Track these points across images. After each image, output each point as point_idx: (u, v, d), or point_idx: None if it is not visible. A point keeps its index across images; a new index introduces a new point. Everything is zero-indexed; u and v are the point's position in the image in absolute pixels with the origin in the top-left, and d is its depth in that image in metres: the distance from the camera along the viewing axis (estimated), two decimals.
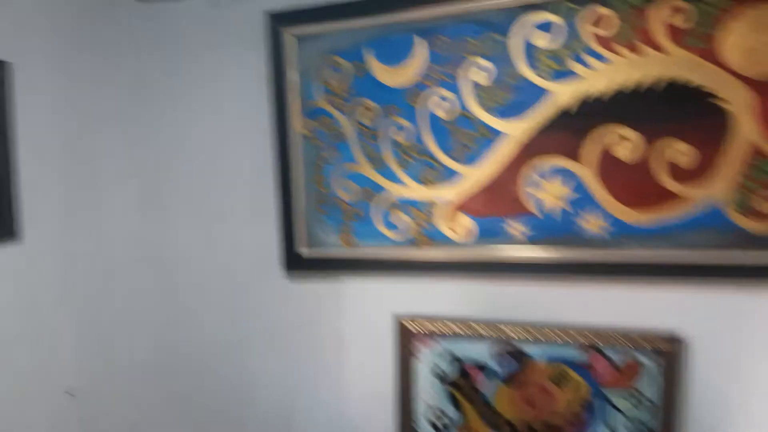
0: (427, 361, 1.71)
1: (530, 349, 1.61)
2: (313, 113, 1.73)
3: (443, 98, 1.60)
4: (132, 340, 2.10)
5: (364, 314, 1.81)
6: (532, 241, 1.57)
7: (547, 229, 1.56)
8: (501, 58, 1.54)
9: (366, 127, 1.68)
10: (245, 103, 1.86)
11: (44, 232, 1.80)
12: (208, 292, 2.01)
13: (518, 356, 1.62)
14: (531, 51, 1.51)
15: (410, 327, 1.71)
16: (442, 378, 1.70)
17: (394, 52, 1.63)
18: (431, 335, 1.70)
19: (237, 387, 2.02)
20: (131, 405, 2.12)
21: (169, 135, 1.99)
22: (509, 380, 1.64)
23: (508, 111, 1.55)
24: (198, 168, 1.97)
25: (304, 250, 1.79)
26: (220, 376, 2.03)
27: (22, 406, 1.77)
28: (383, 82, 1.65)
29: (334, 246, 1.76)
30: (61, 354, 1.88)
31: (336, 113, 1.71)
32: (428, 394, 1.72)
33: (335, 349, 1.86)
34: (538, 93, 1.52)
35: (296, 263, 1.80)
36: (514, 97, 1.54)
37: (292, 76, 1.72)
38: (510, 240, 1.59)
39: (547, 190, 1.54)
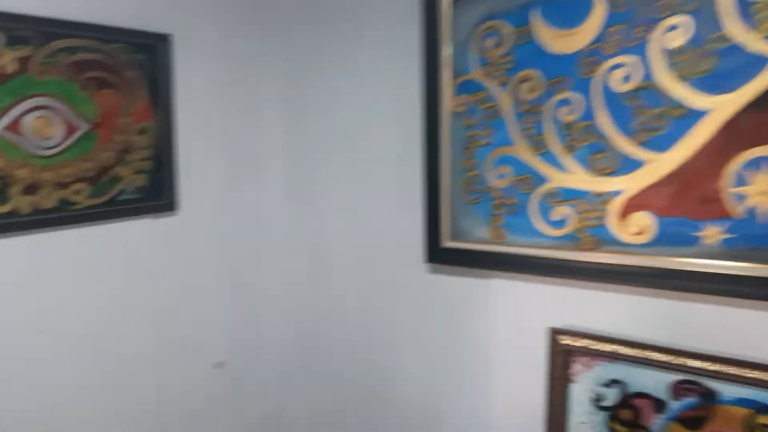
0: (586, 384, 1.44)
1: (718, 387, 1.26)
2: (466, 88, 1.53)
3: (624, 67, 1.31)
4: (278, 318, 2.10)
5: (514, 321, 1.58)
6: (731, 250, 1.22)
7: (752, 237, 1.19)
8: (704, 16, 1.21)
9: (527, 102, 1.45)
10: (395, 78, 1.73)
11: (199, 207, 1.85)
12: (352, 278, 1.93)
13: (701, 393, 1.28)
14: (745, 5, 1.17)
15: (567, 343, 1.45)
16: (602, 407, 1.42)
17: (567, 12, 1.36)
18: (592, 355, 1.42)
19: (377, 377, 1.92)
20: (275, 382, 2.13)
21: (320, 115, 1.94)
22: (686, 421, 1.30)
23: (709, 82, 1.21)
24: (347, 149, 1.89)
25: (450, 243, 1.61)
26: (360, 365, 1.95)
27: (174, 376, 1.84)
28: (550, 49, 1.40)
29: (483, 240, 1.55)
30: (212, 326, 1.94)
31: (492, 87, 1.49)
32: (584, 422, 1.45)
33: (480, 354, 1.66)
34: (753, 59, 1.16)
35: (439, 256, 1.63)
36: (720, 65, 1.20)
37: (446, 46, 1.55)
38: (701, 247, 1.25)
39: (755, 186, 1.18)
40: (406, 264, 1.76)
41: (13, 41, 1.39)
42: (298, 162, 2.02)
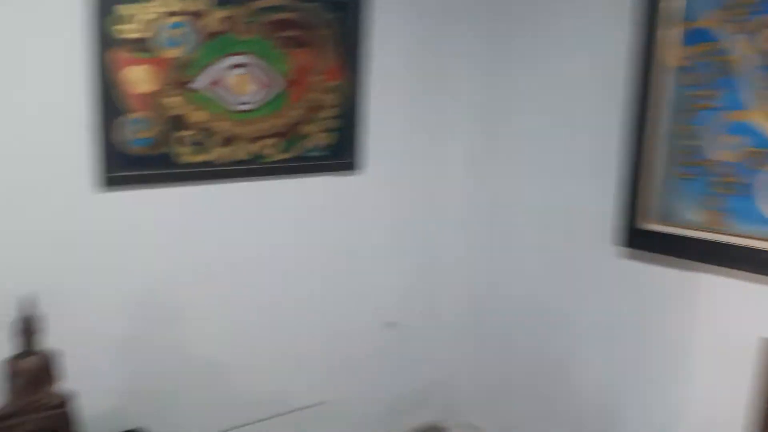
0: None
1: None
2: (693, 38, 1.26)
3: None
4: (453, 285, 2.05)
5: (722, 325, 1.31)
6: None
7: None
8: None
9: None
10: (602, 33, 1.52)
11: (382, 167, 1.83)
12: (534, 251, 1.79)
13: None
14: None
15: None
16: None
17: None
18: None
19: (551, 361, 1.77)
20: (444, 349, 2.09)
21: (515, 77, 1.80)
22: None
23: None
24: (541, 113, 1.73)
25: (650, 224, 1.36)
26: (534, 345, 1.81)
27: (344, 330, 1.88)
28: None
29: (694, 225, 1.28)
30: (385, 286, 1.94)
31: (729, 36, 1.20)
32: None
33: (675, 359, 1.41)
34: None
35: (636, 239, 1.40)
36: None
37: None
38: None
39: None
40: (596, 243, 1.56)
41: (222, 2, 1.48)
42: (488, 126, 1.90)
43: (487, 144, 1.91)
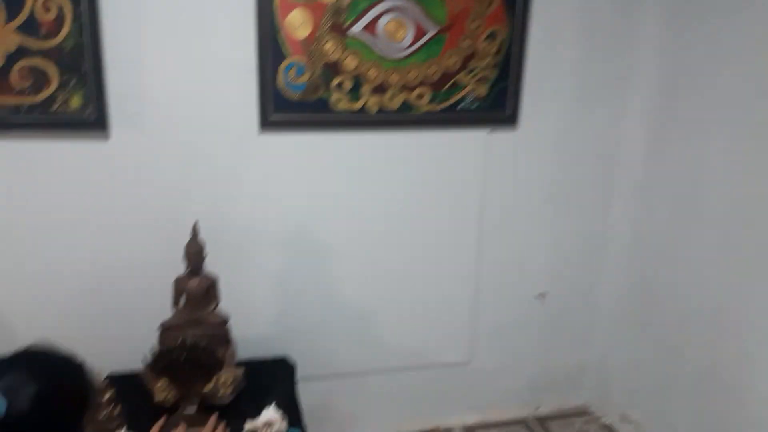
0: None
1: None
2: None
3: None
4: (615, 261, 1.88)
5: None
6: None
7: None
8: None
9: None
10: None
11: (542, 124, 1.72)
12: (714, 239, 1.55)
13: None
14: None
15: None
16: None
17: None
18: None
19: (724, 367, 1.54)
20: (600, 331, 1.94)
21: (711, 21, 1.54)
22: None
23: None
24: (742, 68, 1.46)
25: None
26: (704, 342, 1.59)
27: (490, 295, 1.83)
28: None
29: None
30: (536, 253, 1.84)
31: None
32: None
33: None
34: None
35: None
36: None
37: None
38: None
39: None
40: None
41: None
42: (671, 82, 1.65)
43: (670, 104, 1.67)
